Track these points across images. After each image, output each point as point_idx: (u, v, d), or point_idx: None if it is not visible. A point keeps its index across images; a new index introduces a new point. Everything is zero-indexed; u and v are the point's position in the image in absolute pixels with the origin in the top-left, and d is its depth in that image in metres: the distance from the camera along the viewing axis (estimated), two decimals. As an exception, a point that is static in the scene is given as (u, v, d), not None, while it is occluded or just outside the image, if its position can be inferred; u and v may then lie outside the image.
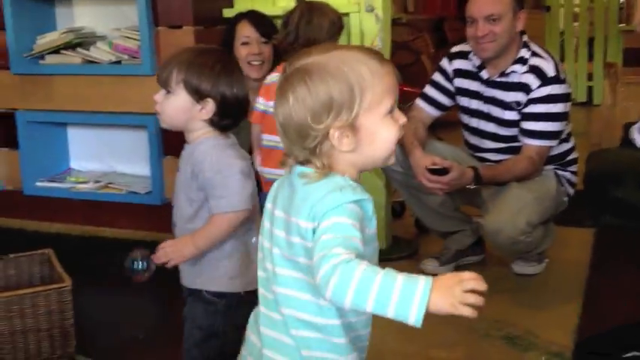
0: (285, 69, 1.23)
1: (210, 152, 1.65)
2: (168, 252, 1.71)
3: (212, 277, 1.70)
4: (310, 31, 2.41)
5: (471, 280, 1.09)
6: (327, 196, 1.16)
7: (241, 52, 2.74)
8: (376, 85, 1.18)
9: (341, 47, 1.26)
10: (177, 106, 1.65)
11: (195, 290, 1.74)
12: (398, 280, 1.05)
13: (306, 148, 1.19)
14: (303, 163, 1.22)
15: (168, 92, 1.65)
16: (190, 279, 1.75)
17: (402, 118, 1.23)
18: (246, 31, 2.75)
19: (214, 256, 1.69)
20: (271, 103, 2.44)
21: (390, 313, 1.05)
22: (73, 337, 2.24)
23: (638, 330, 2.17)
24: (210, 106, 1.64)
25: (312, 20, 2.43)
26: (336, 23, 2.46)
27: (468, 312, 1.06)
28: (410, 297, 1.04)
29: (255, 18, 2.78)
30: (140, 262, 1.76)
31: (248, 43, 2.75)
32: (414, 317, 1.04)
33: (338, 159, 1.20)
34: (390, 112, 1.20)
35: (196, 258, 1.70)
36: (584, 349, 2.20)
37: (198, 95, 1.63)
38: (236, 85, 1.66)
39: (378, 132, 1.19)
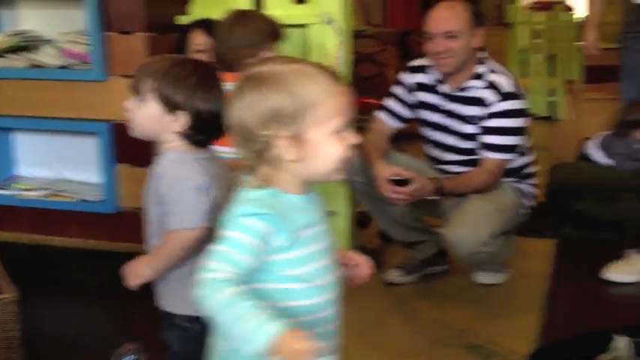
0: (242, 74, 1.26)
1: (169, 166, 1.59)
2: (125, 272, 1.62)
3: (184, 299, 1.52)
4: (234, 41, 2.36)
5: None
6: (232, 207, 1.24)
7: None
8: (327, 103, 1.22)
9: (300, 62, 1.30)
10: (147, 115, 1.59)
11: (167, 314, 1.65)
12: (248, 322, 1.13)
13: (253, 151, 1.23)
14: (249, 170, 1.26)
15: (141, 100, 1.59)
16: (163, 301, 1.66)
17: (352, 139, 1.25)
18: (198, 40, 2.71)
19: (184, 274, 1.58)
20: None
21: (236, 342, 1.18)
22: (18, 349, 2.18)
23: (593, 340, 2.20)
24: (182, 119, 1.58)
25: (235, 29, 2.39)
26: (266, 31, 2.42)
27: None
28: (251, 341, 1.13)
29: (209, 26, 2.70)
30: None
31: (203, 51, 2.68)
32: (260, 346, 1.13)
33: (282, 168, 1.24)
34: (339, 131, 1.23)
35: (168, 278, 1.62)
36: (538, 359, 2.22)
37: (171, 106, 1.57)
38: (213, 100, 1.59)
39: (324, 148, 1.23)
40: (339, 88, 1.25)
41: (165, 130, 1.60)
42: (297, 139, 1.21)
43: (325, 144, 1.23)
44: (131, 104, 1.61)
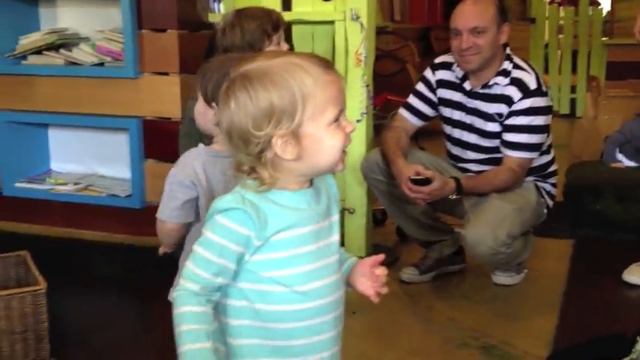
0: (230, 75, 1.21)
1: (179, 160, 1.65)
2: None
3: None
4: (235, 44, 2.30)
5: None
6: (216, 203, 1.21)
7: None
8: (319, 94, 1.16)
9: (286, 54, 1.25)
10: (196, 110, 1.66)
11: None
12: (184, 346, 1.17)
13: (250, 154, 1.18)
14: (250, 172, 1.21)
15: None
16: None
17: (349, 127, 1.20)
18: None
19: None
20: None
21: None
22: (47, 340, 2.21)
23: (610, 343, 2.18)
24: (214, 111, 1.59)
25: (232, 32, 2.33)
26: (263, 26, 2.33)
27: None
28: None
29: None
30: None
31: None
32: None
33: (283, 167, 1.19)
34: (336, 120, 1.18)
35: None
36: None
37: (208, 100, 1.61)
38: None
39: (322, 141, 1.18)
40: (331, 76, 1.18)
41: (209, 124, 1.62)
42: (293, 136, 1.16)
43: (323, 137, 1.17)
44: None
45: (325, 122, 1.17)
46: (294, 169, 1.20)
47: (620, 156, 3.57)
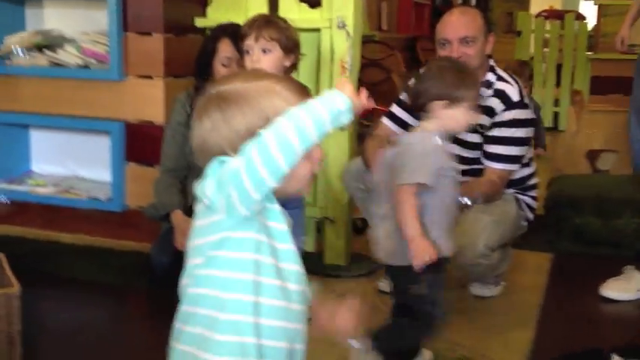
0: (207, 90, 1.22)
1: None
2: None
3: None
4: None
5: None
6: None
7: (221, 71, 2.56)
8: None
9: (264, 77, 1.23)
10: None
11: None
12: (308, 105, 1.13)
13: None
14: None
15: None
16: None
17: (317, 154, 1.20)
18: (228, 52, 2.54)
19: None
20: None
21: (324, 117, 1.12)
22: (18, 343, 2.18)
23: (587, 358, 2.19)
24: None
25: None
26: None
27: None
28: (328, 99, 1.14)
29: (236, 34, 2.50)
30: None
31: (231, 60, 2.54)
32: (341, 101, 1.15)
33: None
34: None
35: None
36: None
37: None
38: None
39: (294, 170, 1.14)
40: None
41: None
42: None
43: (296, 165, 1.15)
44: None
45: None
46: None
47: None
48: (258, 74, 1.27)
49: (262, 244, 1.18)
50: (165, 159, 2.66)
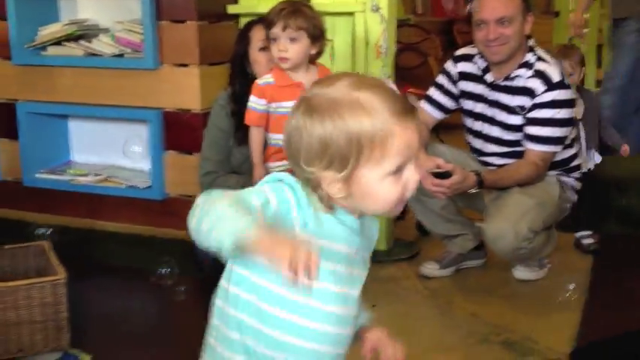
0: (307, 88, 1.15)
1: None
2: None
3: None
4: None
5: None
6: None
7: (262, 57, 2.52)
8: (385, 143, 1.05)
9: (369, 87, 1.08)
10: None
11: None
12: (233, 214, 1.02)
13: (300, 177, 1.11)
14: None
15: None
16: None
17: (412, 181, 1.09)
18: (261, 36, 2.48)
19: None
20: (274, 104, 2.41)
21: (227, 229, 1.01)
22: (66, 330, 2.22)
23: (635, 339, 2.14)
24: None
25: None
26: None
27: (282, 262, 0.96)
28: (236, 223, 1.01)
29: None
30: None
31: (266, 47, 2.45)
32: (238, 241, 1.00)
33: (332, 198, 1.11)
34: (397, 172, 1.07)
35: None
36: (581, 357, 2.17)
37: None
38: None
39: (376, 190, 1.08)
40: (406, 123, 1.06)
41: None
42: (345, 178, 1.06)
43: (378, 187, 1.07)
44: None
45: (383, 173, 1.07)
46: (345, 203, 1.12)
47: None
48: (365, 82, 1.09)
49: None
50: (205, 162, 2.62)
